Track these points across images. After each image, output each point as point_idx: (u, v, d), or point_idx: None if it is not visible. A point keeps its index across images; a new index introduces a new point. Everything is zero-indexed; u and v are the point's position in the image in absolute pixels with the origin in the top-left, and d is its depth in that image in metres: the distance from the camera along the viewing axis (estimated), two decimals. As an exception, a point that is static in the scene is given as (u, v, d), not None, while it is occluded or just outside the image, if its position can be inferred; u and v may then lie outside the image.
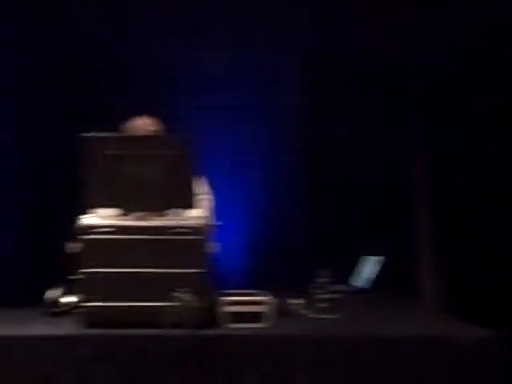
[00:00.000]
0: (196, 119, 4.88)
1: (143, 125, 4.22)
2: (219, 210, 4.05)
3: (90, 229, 3.28)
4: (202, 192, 4.01)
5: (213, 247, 3.38)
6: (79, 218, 3.32)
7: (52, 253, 3.80)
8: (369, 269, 4.29)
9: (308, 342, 3.18)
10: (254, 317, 3.29)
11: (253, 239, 4.94)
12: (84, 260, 3.27)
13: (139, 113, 4.25)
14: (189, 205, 3.40)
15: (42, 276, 3.80)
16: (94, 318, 3.25)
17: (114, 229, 3.29)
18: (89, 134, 3.30)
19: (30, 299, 3.62)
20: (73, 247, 3.30)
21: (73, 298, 3.56)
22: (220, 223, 3.55)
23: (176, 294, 3.15)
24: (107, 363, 3.12)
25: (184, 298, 3.14)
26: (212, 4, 4.99)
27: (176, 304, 3.13)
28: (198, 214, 3.47)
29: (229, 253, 3.91)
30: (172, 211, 3.43)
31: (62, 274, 3.54)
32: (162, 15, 4.95)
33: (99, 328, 3.22)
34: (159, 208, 3.39)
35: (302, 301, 3.66)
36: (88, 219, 3.32)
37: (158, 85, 4.94)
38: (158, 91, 4.92)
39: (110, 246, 3.27)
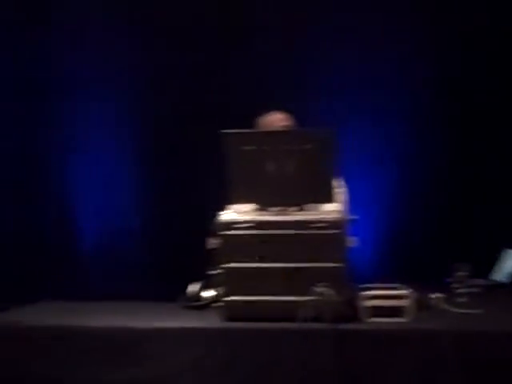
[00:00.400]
0: (326, 114, 4.86)
1: (275, 120, 4.23)
2: (354, 203, 4.02)
3: (230, 224, 3.32)
4: (337, 186, 3.99)
5: (351, 241, 3.36)
6: (219, 214, 3.37)
7: (192, 248, 3.87)
8: (510, 262, 4.16)
9: (450, 337, 3.11)
10: (395, 311, 3.24)
11: (389, 232, 4.87)
12: (224, 255, 3.32)
13: (271, 109, 4.27)
14: (328, 199, 3.39)
15: (183, 270, 3.90)
16: (234, 312, 3.29)
17: (253, 224, 3.32)
18: (228, 131, 3.35)
19: (171, 293, 3.70)
20: (213, 242, 3.35)
21: (212, 292, 3.62)
22: (356, 217, 3.51)
23: (315, 289, 3.14)
24: (246, 357, 3.16)
25: (324, 292, 3.13)
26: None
27: (316, 298, 3.12)
28: (335, 207, 3.45)
29: (365, 246, 3.87)
30: (309, 205, 3.43)
31: (203, 268, 3.62)
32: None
33: (238, 322, 3.25)
34: (297, 202, 3.40)
35: (441, 295, 3.58)
36: (227, 215, 3.37)
37: (291, 81, 4.94)
38: (291, 88, 4.92)
39: (249, 241, 3.30)
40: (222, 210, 3.43)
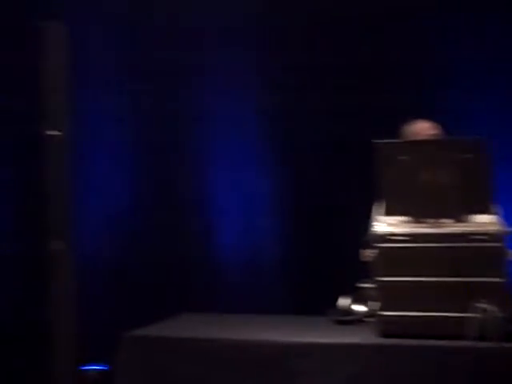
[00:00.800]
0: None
1: (423, 128, 4.13)
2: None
3: (386, 237, 3.21)
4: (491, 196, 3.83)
5: (510, 254, 3.19)
6: (373, 226, 3.26)
7: (341, 260, 3.78)
8: None
9: None
10: None
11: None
12: (379, 268, 3.21)
13: (418, 117, 4.17)
14: (485, 210, 3.24)
15: (332, 283, 3.82)
16: (390, 328, 3.16)
17: (409, 237, 3.20)
18: (381, 140, 3.25)
19: (320, 306, 3.61)
20: (368, 255, 3.25)
21: (364, 307, 3.52)
22: (513, 229, 3.34)
23: (477, 305, 2.99)
24: (403, 375, 3.02)
25: (486, 308, 2.98)
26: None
27: (478, 315, 2.97)
28: (491, 219, 3.29)
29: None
30: (465, 217, 3.28)
31: (350, 281, 3.52)
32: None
33: (394, 338, 3.13)
34: (454, 214, 3.26)
35: None
36: (382, 227, 3.25)
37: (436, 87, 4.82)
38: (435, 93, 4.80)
39: (406, 255, 3.18)
40: (374, 221, 3.32)
